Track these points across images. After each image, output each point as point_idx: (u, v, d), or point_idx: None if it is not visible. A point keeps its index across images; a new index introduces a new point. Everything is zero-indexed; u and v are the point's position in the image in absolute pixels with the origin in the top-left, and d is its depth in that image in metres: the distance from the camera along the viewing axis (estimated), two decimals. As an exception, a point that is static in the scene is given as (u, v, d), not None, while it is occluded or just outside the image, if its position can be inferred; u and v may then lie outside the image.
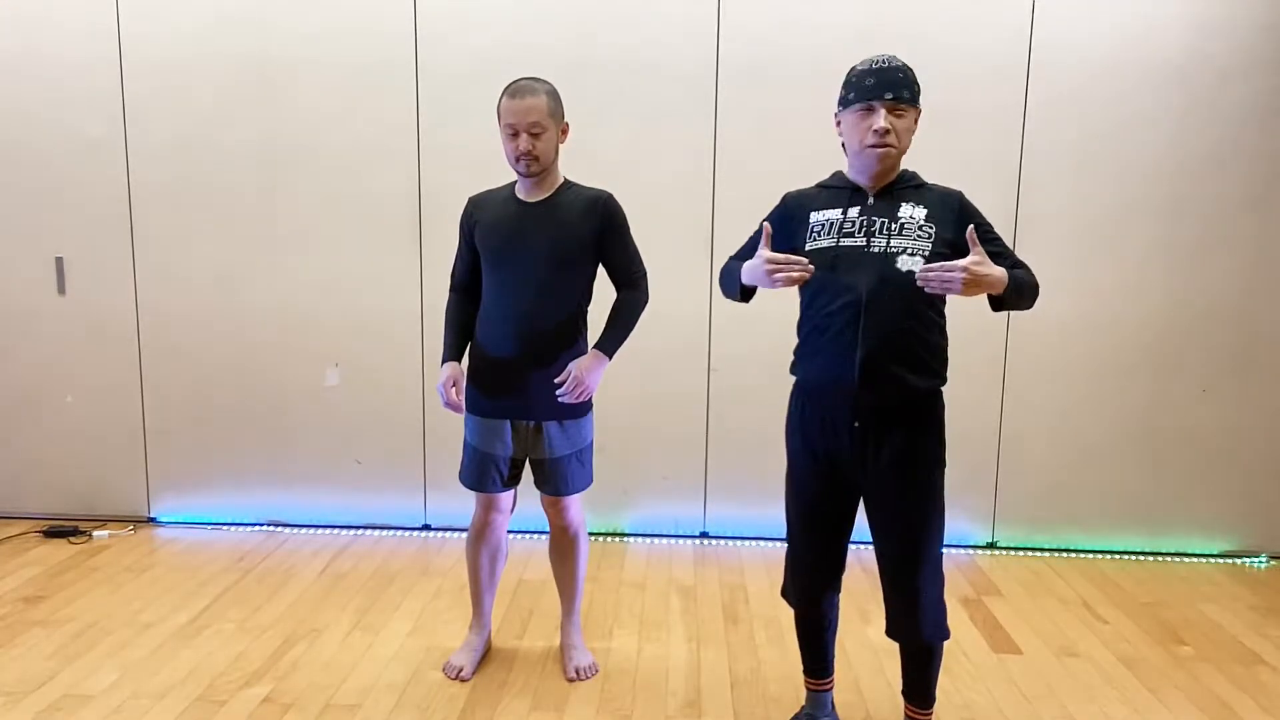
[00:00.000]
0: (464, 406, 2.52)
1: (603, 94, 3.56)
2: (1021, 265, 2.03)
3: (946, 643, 2.17)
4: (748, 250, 2.19)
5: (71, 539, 3.68)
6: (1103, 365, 3.65)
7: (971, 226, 1.94)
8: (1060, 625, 3.08)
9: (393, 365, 3.76)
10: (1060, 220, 3.57)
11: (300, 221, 3.70)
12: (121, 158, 3.69)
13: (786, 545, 2.26)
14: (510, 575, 3.36)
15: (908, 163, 2.09)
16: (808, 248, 2.05)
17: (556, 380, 2.44)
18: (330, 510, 3.86)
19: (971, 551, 3.73)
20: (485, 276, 2.51)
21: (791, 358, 2.17)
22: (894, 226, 2.00)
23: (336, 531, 3.83)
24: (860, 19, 3.49)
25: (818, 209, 2.08)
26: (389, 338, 3.74)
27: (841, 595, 2.30)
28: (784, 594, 2.32)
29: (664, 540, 3.81)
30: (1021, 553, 3.74)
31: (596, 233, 2.46)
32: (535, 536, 3.75)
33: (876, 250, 2.00)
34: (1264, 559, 3.70)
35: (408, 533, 3.83)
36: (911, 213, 2.02)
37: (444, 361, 2.54)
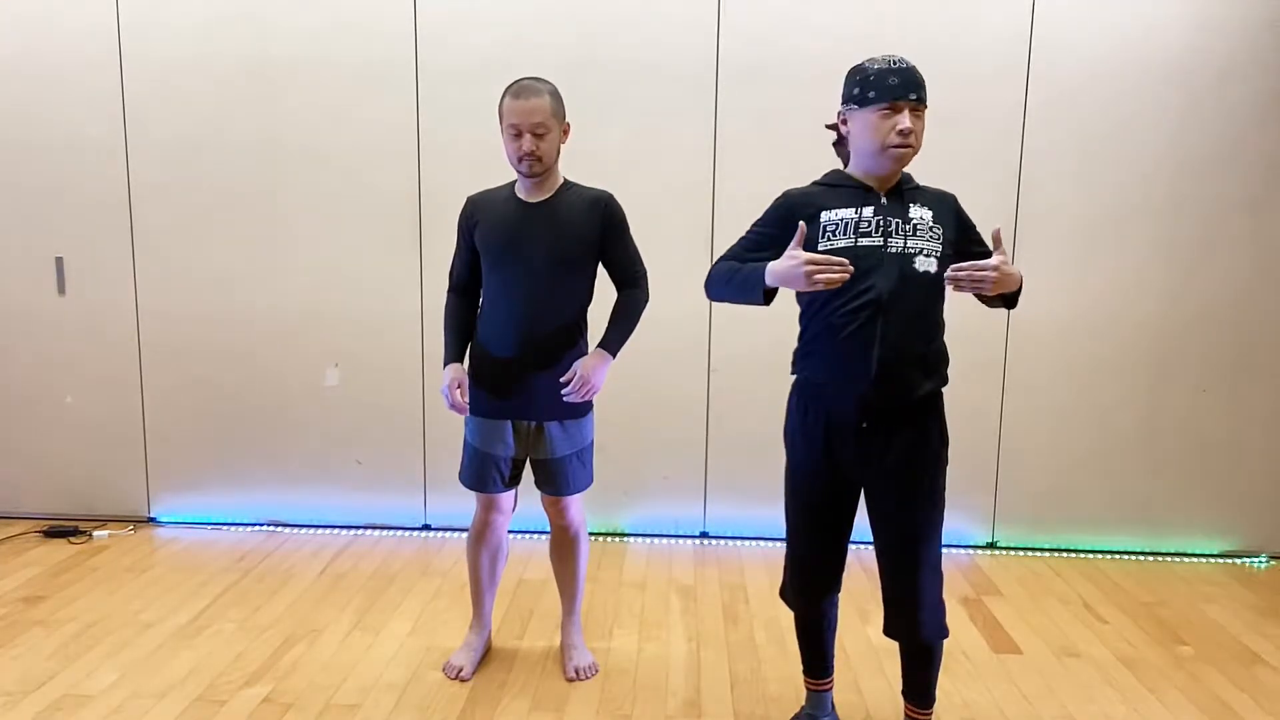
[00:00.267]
0: (469, 408, 2.52)
1: (603, 94, 3.55)
2: None
3: (946, 643, 2.17)
4: (744, 251, 2.10)
5: (71, 539, 3.68)
6: (1103, 365, 3.65)
7: (998, 227, 1.99)
8: (1060, 625, 3.08)
9: (393, 365, 3.76)
10: (1060, 220, 3.57)
11: (300, 221, 3.70)
12: (121, 158, 3.68)
13: (787, 546, 2.25)
14: (510, 575, 3.36)
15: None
16: (822, 247, 2.00)
17: (562, 380, 2.44)
18: (330, 510, 3.86)
19: (971, 551, 3.73)
20: (487, 277, 2.50)
21: (791, 357, 2.17)
22: (907, 227, 2.01)
23: (336, 531, 3.83)
24: (861, 19, 3.49)
25: (829, 208, 2.03)
26: (389, 338, 3.74)
27: (841, 595, 2.30)
28: (782, 595, 2.32)
29: (664, 540, 3.81)
30: (1021, 553, 3.74)
31: (598, 233, 2.47)
32: (535, 536, 3.75)
33: (894, 250, 1.99)
34: (1264, 559, 3.70)
35: (408, 533, 3.83)
36: (921, 214, 2.03)
37: (446, 363, 2.53)
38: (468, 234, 2.53)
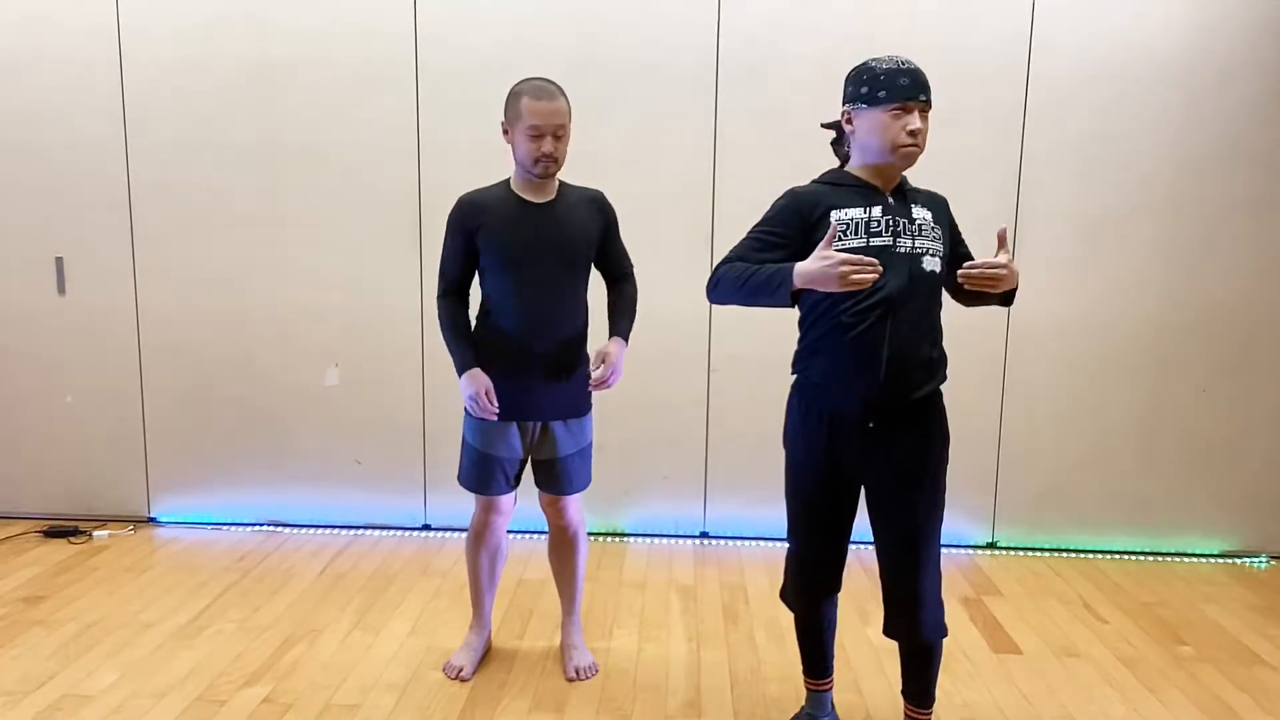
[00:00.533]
0: (498, 411, 2.46)
1: (603, 94, 3.55)
2: None
3: (946, 642, 2.18)
4: (752, 252, 2.04)
5: (71, 539, 3.68)
6: (1103, 365, 3.65)
7: (1004, 227, 2.01)
8: (1060, 625, 3.08)
9: (393, 365, 3.76)
10: (1060, 220, 3.57)
11: (300, 221, 3.69)
12: (121, 158, 3.68)
13: (787, 546, 2.26)
14: (510, 575, 3.36)
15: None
16: (833, 246, 1.96)
17: (591, 369, 2.47)
18: (330, 510, 3.86)
19: (971, 551, 3.73)
20: (491, 278, 2.47)
21: (791, 357, 2.17)
22: (913, 227, 2.02)
23: (336, 531, 3.83)
24: (861, 19, 3.49)
25: (838, 207, 2.01)
26: (389, 338, 3.74)
27: (841, 595, 2.30)
28: (783, 597, 2.32)
29: (664, 540, 3.81)
30: (1021, 553, 3.74)
31: (600, 232, 2.50)
32: (535, 536, 3.75)
33: (904, 250, 2.00)
34: (1264, 559, 3.70)
35: (407, 533, 3.83)
36: (923, 214, 2.05)
37: (462, 370, 2.46)
38: (467, 236, 2.45)
